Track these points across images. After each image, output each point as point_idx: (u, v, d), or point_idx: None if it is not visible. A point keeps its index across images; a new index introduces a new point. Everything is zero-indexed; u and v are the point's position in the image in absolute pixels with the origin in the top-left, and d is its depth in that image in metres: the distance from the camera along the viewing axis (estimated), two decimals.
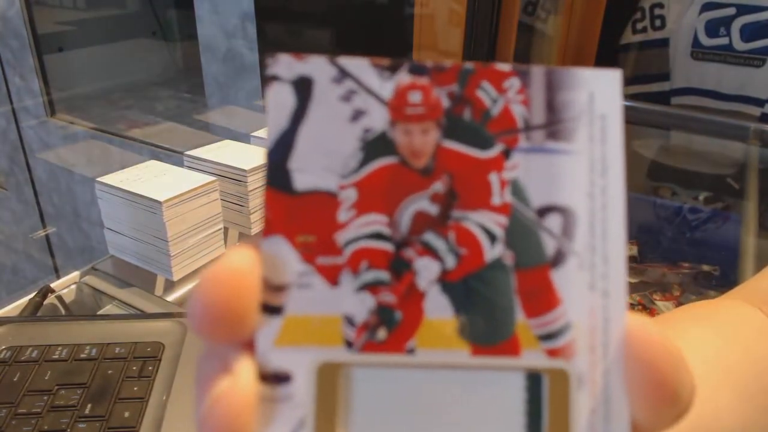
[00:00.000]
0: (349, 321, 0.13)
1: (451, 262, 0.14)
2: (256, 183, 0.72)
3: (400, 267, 0.14)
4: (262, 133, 0.83)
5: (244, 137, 0.83)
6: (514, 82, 0.14)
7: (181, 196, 0.63)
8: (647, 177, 1.07)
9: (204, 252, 0.68)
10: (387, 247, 0.14)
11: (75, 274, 0.67)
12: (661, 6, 1.11)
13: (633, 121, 1.09)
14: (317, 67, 0.14)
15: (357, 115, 0.14)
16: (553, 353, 0.13)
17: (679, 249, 0.85)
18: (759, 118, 1.03)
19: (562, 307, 0.14)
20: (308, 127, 0.14)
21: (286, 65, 0.14)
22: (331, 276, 0.14)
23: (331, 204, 0.14)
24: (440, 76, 0.14)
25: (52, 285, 0.64)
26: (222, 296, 0.12)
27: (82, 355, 0.47)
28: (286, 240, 0.14)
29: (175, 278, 0.65)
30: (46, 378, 0.45)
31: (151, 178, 0.66)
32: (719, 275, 0.75)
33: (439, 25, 1.07)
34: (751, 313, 0.30)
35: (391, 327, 0.14)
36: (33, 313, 0.59)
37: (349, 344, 0.13)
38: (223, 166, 0.71)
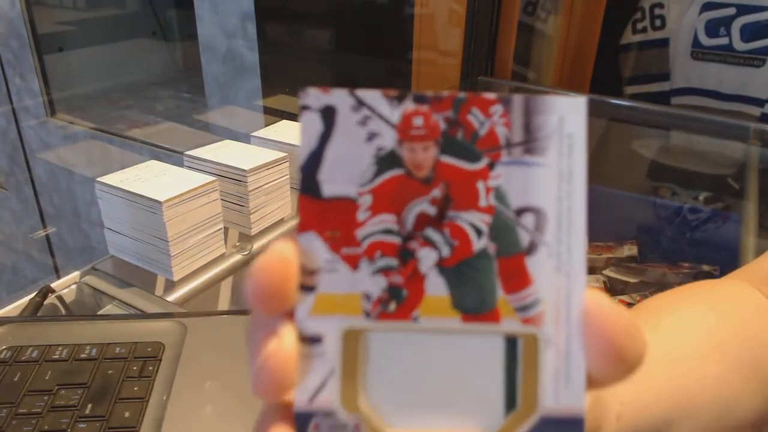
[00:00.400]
0: (367, 297, 0.17)
1: (446, 251, 0.17)
2: (256, 183, 0.72)
3: (406, 256, 0.17)
4: (262, 133, 0.83)
5: (244, 137, 0.83)
6: (498, 108, 0.17)
7: (181, 196, 0.63)
8: (647, 177, 1.07)
9: (204, 252, 0.68)
10: (396, 240, 0.17)
11: (75, 274, 0.67)
12: (661, 6, 1.11)
13: (633, 121, 1.09)
14: (339, 98, 0.17)
15: (371, 136, 0.17)
16: (526, 321, 0.17)
17: (679, 249, 0.85)
18: (759, 118, 1.03)
19: (534, 286, 0.17)
20: (333, 147, 0.17)
21: (314, 97, 0.17)
22: (353, 263, 0.17)
23: (352, 207, 0.17)
24: (438, 104, 0.17)
25: (53, 285, 0.64)
26: (272, 278, 0.16)
27: (83, 355, 0.47)
28: (317, 235, 0.17)
29: (176, 278, 0.65)
30: (47, 378, 0.45)
31: (151, 178, 0.66)
32: (719, 275, 0.75)
33: (439, 25, 1.07)
34: (751, 293, 0.31)
35: (399, 301, 0.17)
36: (33, 313, 0.59)
37: (367, 314, 0.17)
38: (223, 166, 0.71)
